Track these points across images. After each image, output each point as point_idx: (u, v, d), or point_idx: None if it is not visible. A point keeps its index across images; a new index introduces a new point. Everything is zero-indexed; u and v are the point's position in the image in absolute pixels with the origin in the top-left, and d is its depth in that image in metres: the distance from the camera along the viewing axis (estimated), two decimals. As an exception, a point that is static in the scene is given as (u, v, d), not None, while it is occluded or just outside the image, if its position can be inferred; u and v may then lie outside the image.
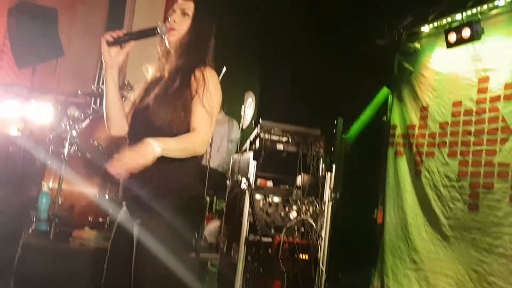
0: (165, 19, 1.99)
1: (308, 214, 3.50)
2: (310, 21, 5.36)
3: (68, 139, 3.86)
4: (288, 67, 5.66)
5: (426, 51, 4.64)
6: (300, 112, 4.99)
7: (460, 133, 4.12)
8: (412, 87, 4.73)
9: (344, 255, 4.43)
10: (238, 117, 4.93)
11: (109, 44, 1.84)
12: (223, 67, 3.61)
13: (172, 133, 1.80)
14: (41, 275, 3.20)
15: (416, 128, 4.61)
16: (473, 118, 4.02)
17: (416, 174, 4.52)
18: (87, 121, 4.16)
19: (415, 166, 4.54)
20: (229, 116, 5.13)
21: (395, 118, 4.92)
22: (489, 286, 3.63)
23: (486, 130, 3.88)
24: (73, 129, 3.91)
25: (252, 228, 3.39)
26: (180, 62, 1.93)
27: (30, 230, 3.67)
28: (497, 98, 3.82)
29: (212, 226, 4.49)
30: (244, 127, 4.76)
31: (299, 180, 3.56)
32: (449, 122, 4.25)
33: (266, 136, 3.56)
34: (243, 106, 4.76)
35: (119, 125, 2.00)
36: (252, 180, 3.44)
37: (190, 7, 1.98)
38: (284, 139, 3.60)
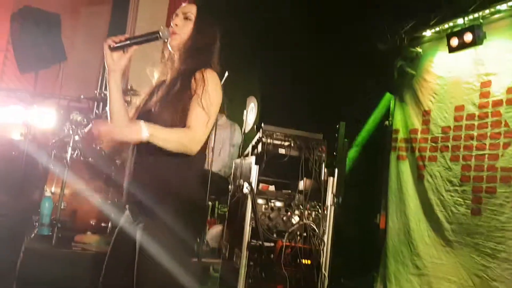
0: (168, 23, 1.99)
1: (310, 218, 3.49)
2: (312, 25, 5.37)
3: (70, 143, 3.86)
4: (290, 71, 5.66)
5: (428, 56, 4.64)
6: (302, 117, 4.99)
7: (463, 137, 4.11)
8: (414, 92, 4.73)
9: (347, 260, 4.42)
10: (240, 122, 4.93)
11: (112, 49, 1.84)
12: (225, 72, 3.62)
13: None
14: (43, 279, 3.20)
15: (419, 133, 4.60)
16: (476, 123, 4.01)
17: (418, 179, 4.51)
18: (90, 125, 4.16)
19: (417, 171, 4.54)
20: (231, 121, 5.13)
21: (397, 122, 4.92)
22: (492, 291, 3.62)
23: (488, 134, 3.87)
24: (76, 134, 3.92)
25: (254, 233, 3.38)
26: (183, 66, 1.93)
27: (33, 235, 3.67)
28: (500, 102, 3.82)
29: (214, 231, 4.48)
30: (246, 131, 4.76)
31: (301, 184, 3.56)
32: (452, 127, 4.25)
33: (268, 140, 3.56)
34: (245, 111, 4.76)
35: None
36: (254, 185, 3.43)
37: (192, 11, 1.98)
38: (286, 143, 3.60)
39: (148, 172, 1.87)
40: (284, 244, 3.32)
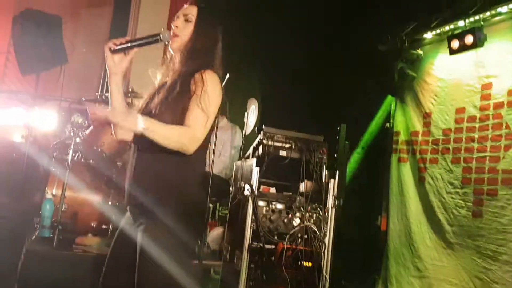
0: (169, 25, 2.00)
1: (312, 221, 3.49)
2: (313, 27, 5.38)
3: (71, 145, 3.86)
4: (291, 73, 5.66)
5: (429, 58, 4.65)
6: (303, 119, 4.99)
7: (464, 139, 4.11)
8: (415, 94, 4.73)
9: (348, 263, 4.41)
10: (241, 124, 4.93)
11: (113, 51, 1.85)
12: (226, 74, 3.62)
13: None
14: (44, 281, 3.20)
15: (420, 135, 4.60)
16: (477, 125, 4.01)
17: (419, 181, 4.51)
18: (91, 128, 4.17)
19: (418, 173, 4.53)
20: (232, 123, 5.13)
21: (398, 124, 4.92)
22: (493, 294, 3.61)
23: (489, 136, 3.87)
24: (77, 136, 3.92)
25: (255, 235, 3.38)
26: (184, 68, 1.93)
27: (34, 237, 3.67)
28: (501, 104, 3.82)
29: (215, 233, 4.47)
30: (247, 133, 4.76)
31: (302, 186, 3.56)
32: (452, 129, 4.25)
33: (269, 142, 3.56)
34: (246, 113, 4.76)
35: (127, 133, 2.01)
36: (255, 187, 3.44)
37: (192, 13, 1.97)
38: (287, 145, 3.60)
39: (149, 173, 1.87)
40: (285, 246, 3.32)
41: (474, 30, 3.91)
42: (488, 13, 3.94)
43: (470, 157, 4.02)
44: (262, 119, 4.85)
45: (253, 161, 3.52)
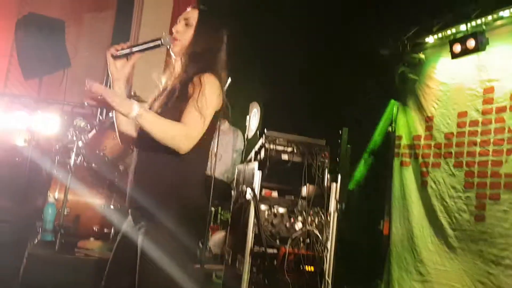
0: (172, 29, 2.00)
1: (314, 225, 3.48)
2: (314, 31, 5.39)
3: (74, 149, 3.87)
4: (293, 77, 5.67)
5: (431, 62, 4.65)
6: (305, 122, 4.99)
7: (466, 143, 4.10)
8: (417, 98, 4.73)
9: (350, 267, 4.40)
10: (243, 127, 4.94)
11: (114, 57, 1.85)
12: (229, 77, 3.62)
13: None
14: (47, 285, 3.21)
15: (422, 139, 4.60)
16: (479, 129, 4.01)
17: (422, 185, 4.50)
18: (93, 131, 4.18)
19: (421, 177, 4.53)
20: (234, 127, 5.14)
21: (400, 128, 4.92)
22: (496, 298, 3.60)
23: (492, 140, 3.87)
24: (79, 140, 3.93)
25: (257, 239, 3.38)
26: (184, 72, 1.93)
27: (36, 241, 3.68)
28: (503, 108, 3.81)
29: (217, 237, 4.47)
30: (249, 137, 4.76)
31: (304, 190, 3.55)
32: (455, 133, 4.24)
33: (271, 146, 3.56)
34: (248, 116, 4.77)
35: (130, 136, 2.02)
36: (257, 191, 3.43)
37: (193, 17, 1.97)
38: (289, 149, 3.60)
39: (149, 175, 1.87)
40: (287, 250, 3.32)
41: (476, 34, 3.91)
42: (490, 17, 3.94)
43: (472, 161, 4.01)
44: (264, 123, 4.85)
45: (255, 164, 3.52)
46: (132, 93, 4.31)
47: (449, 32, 4.37)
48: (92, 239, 3.80)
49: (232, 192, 4.10)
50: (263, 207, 3.44)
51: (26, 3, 6.11)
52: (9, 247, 3.66)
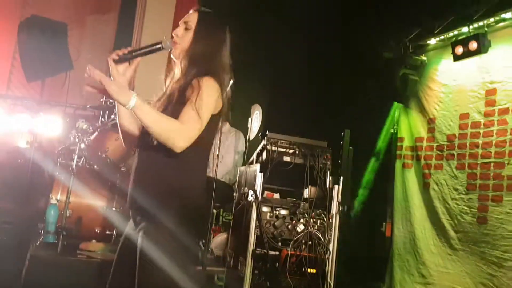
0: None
1: (316, 227, 3.48)
2: (316, 33, 5.39)
3: (76, 151, 3.88)
4: (295, 79, 5.68)
5: (433, 64, 4.64)
6: (307, 124, 4.99)
7: (468, 145, 4.10)
8: (418, 100, 4.73)
9: (352, 269, 4.39)
10: (244, 129, 4.94)
11: (116, 62, 1.85)
12: (230, 80, 3.62)
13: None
14: (49, 287, 3.21)
15: (424, 141, 4.60)
16: (481, 131, 4.00)
17: (424, 187, 4.49)
18: (96, 133, 4.19)
19: (423, 179, 4.52)
20: (235, 128, 5.14)
21: (402, 130, 4.92)
22: (499, 301, 3.59)
23: (494, 142, 3.86)
24: (82, 142, 3.94)
25: (259, 241, 3.38)
26: (184, 76, 1.93)
27: (38, 242, 3.68)
28: (506, 111, 3.81)
29: (218, 239, 4.47)
30: (251, 139, 4.76)
31: (306, 192, 3.55)
32: (457, 135, 4.24)
33: (273, 148, 3.56)
34: (249, 118, 4.77)
35: (133, 136, 2.02)
36: (259, 193, 3.43)
37: (193, 20, 1.97)
38: (291, 151, 3.60)
39: (149, 176, 1.88)
40: (289, 252, 3.31)
41: (478, 36, 3.91)
42: (492, 19, 3.94)
43: (474, 163, 4.01)
44: (266, 124, 4.85)
45: (257, 166, 3.52)
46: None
47: (451, 34, 4.36)
48: (94, 241, 3.80)
49: (234, 194, 4.10)
50: (265, 209, 3.44)
51: (29, 5, 6.14)
52: (12, 249, 3.67)
